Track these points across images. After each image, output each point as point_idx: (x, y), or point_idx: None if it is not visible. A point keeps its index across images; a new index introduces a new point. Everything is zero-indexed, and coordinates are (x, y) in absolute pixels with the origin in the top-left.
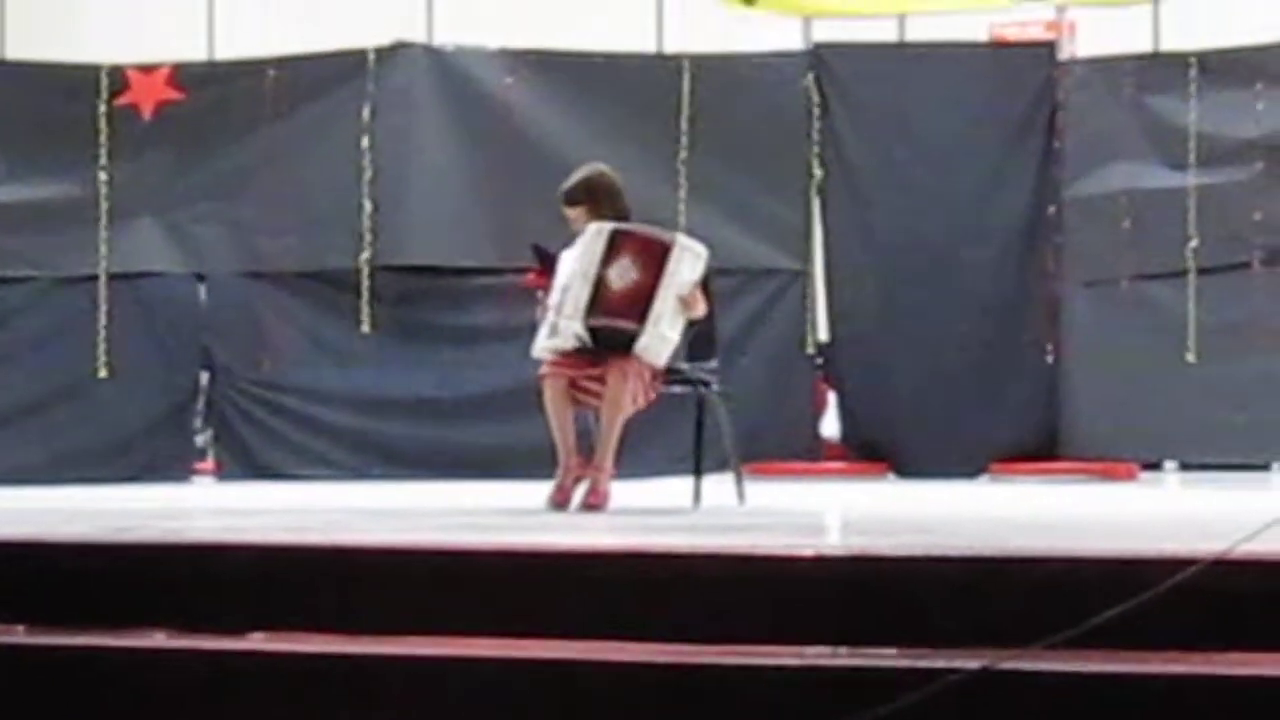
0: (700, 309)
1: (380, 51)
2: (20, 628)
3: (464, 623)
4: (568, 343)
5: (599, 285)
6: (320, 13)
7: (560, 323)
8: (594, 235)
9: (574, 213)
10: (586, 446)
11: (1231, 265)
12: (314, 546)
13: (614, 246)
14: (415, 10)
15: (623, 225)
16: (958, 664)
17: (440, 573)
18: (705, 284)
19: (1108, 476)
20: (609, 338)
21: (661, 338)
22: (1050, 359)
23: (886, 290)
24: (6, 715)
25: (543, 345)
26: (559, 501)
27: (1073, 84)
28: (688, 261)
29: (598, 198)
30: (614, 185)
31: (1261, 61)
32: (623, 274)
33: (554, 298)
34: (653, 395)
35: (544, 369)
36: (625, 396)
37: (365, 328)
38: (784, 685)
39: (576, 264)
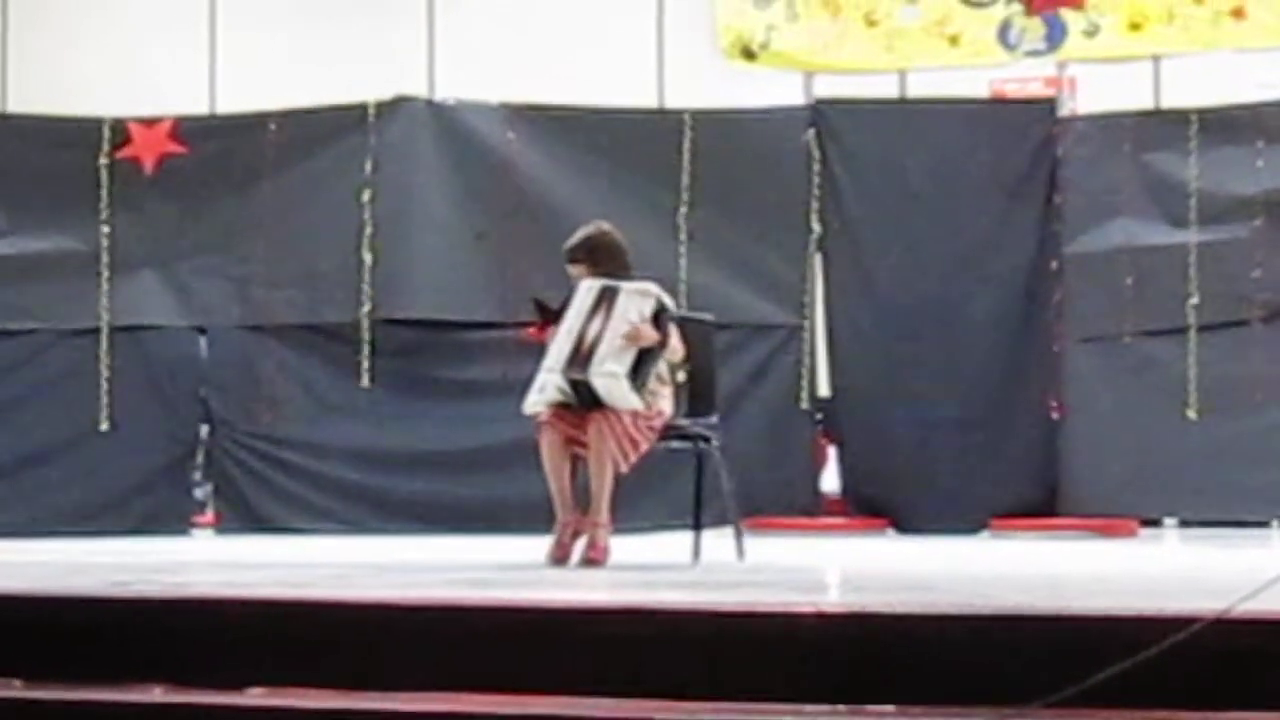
0: (648, 339)
1: (381, 105)
2: (18, 682)
3: (464, 679)
4: (551, 396)
5: (579, 340)
6: (322, 66)
7: (545, 378)
8: (585, 292)
9: (576, 270)
10: (587, 501)
11: (1232, 322)
12: (314, 602)
13: (599, 303)
14: (417, 64)
15: (612, 283)
16: None
17: (440, 628)
18: (659, 318)
19: (1108, 533)
20: (581, 391)
21: (608, 375)
22: (1051, 415)
23: (887, 345)
24: None
25: (533, 400)
26: (559, 557)
27: (1073, 140)
28: (634, 302)
29: (598, 256)
30: (616, 243)
31: (1261, 119)
32: (595, 328)
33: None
34: (644, 445)
35: (540, 421)
36: (607, 448)
37: (365, 381)
38: None
39: (565, 319)
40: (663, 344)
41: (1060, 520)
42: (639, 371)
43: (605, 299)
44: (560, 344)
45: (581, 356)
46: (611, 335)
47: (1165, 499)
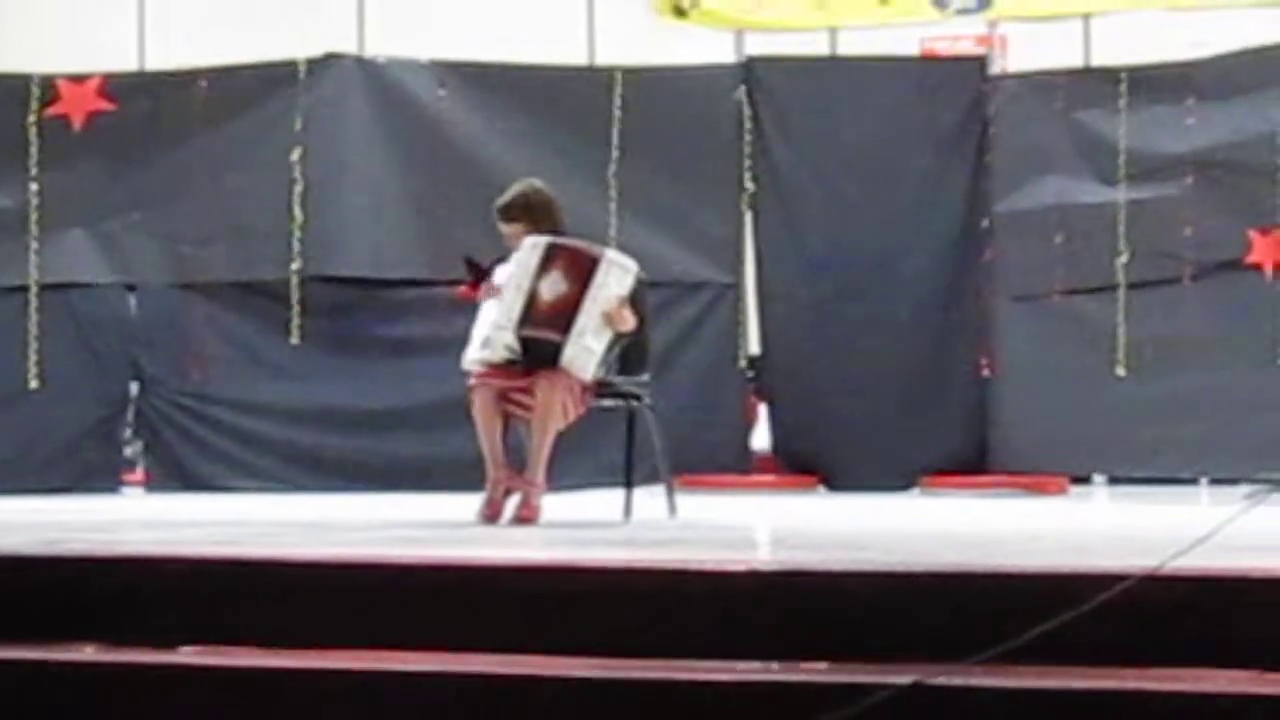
0: (627, 324)
1: (312, 62)
2: None
3: (395, 637)
4: (498, 354)
5: (531, 298)
6: (252, 23)
7: (492, 334)
8: (529, 249)
9: (510, 229)
10: (518, 460)
11: (1161, 280)
12: (245, 560)
13: (548, 260)
14: (347, 22)
15: (558, 239)
16: (889, 679)
17: (372, 587)
18: (634, 298)
19: (1037, 490)
20: (537, 350)
21: (585, 349)
22: (981, 373)
23: (817, 303)
24: None
25: (473, 357)
26: (490, 515)
27: (1004, 98)
28: (615, 275)
29: (534, 213)
30: (550, 201)
31: (1191, 77)
32: (553, 286)
33: (486, 310)
34: (583, 409)
35: (473, 380)
36: (555, 409)
37: (295, 339)
38: (716, 700)
39: (511, 277)
40: (641, 325)
41: (990, 477)
42: (609, 350)
43: (559, 256)
44: (510, 301)
45: (540, 315)
46: (593, 308)
47: (1094, 456)
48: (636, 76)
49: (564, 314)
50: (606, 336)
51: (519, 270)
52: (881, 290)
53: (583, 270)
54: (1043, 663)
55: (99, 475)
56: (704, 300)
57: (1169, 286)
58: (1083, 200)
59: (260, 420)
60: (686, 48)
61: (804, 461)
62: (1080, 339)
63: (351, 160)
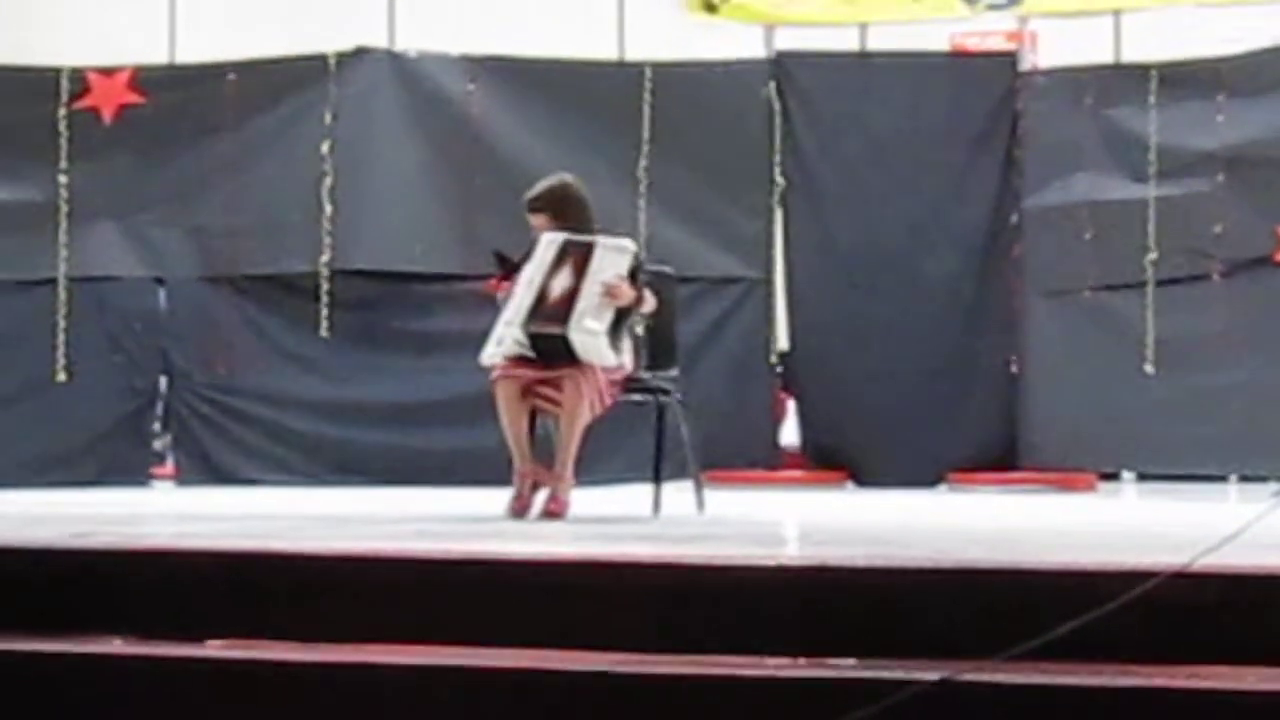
0: (626, 297)
1: (342, 56)
2: None
3: (423, 631)
4: (509, 349)
5: (542, 294)
6: (282, 17)
7: (503, 331)
8: (546, 245)
9: (538, 220)
10: (545, 453)
11: (1191, 277)
12: (273, 553)
13: (561, 256)
14: (377, 15)
15: (575, 236)
16: (917, 675)
17: (400, 581)
18: (635, 275)
19: (1066, 487)
20: (545, 344)
21: (588, 332)
22: (1010, 369)
23: (847, 299)
24: None
25: (490, 353)
26: (518, 510)
27: (1033, 94)
28: (610, 259)
29: (561, 207)
30: (580, 195)
31: (1222, 73)
32: (561, 282)
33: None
34: (610, 401)
35: (495, 373)
36: (582, 405)
37: (324, 332)
38: (743, 696)
39: (527, 273)
40: (639, 301)
41: (1018, 474)
42: (616, 329)
43: (570, 253)
44: (520, 297)
45: (546, 310)
46: (589, 291)
47: (1123, 453)
48: (666, 72)
49: (565, 306)
50: (608, 315)
51: (534, 266)
52: (910, 286)
53: (582, 260)
54: (1071, 660)
55: (128, 468)
56: (733, 296)
57: (1198, 283)
58: (1112, 197)
59: (289, 414)
60: (716, 43)
61: (832, 457)
62: (1109, 336)
63: (381, 154)
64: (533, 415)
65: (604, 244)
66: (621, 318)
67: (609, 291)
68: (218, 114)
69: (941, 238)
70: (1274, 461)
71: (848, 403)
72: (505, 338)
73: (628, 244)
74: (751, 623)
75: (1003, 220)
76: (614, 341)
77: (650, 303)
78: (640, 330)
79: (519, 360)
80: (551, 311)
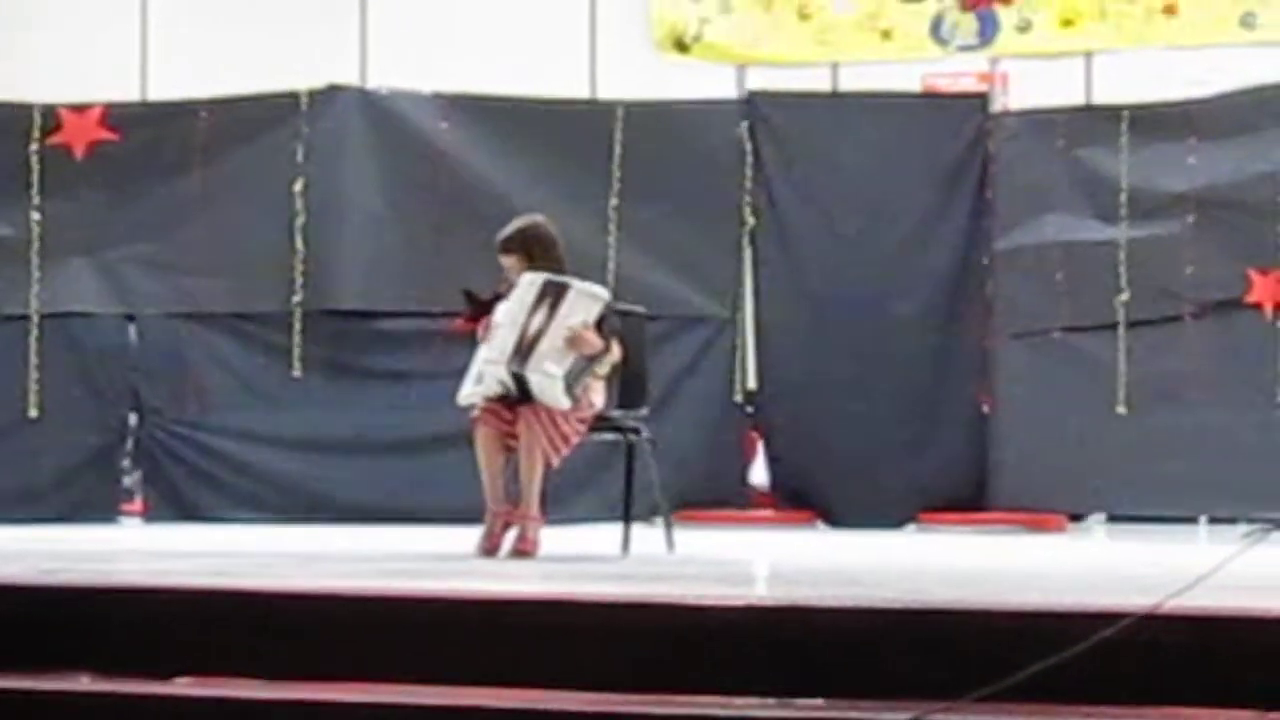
0: (591, 347)
1: (314, 94)
2: None
3: (392, 669)
4: (491, 389)
5: (523, 333)
6: (254, 55)
7: (485, 369)
8: (527, 285)
9: (509, 261)
10: (516, 492)
11: (1162, 318)
12: (242, 591)
13: (541, 296)
14: (349, 53)
15: (554, 277)
16: (885, 716)
17: (369, 619)
18: (602, 324)
19: (1036, 528)
20: (520, 384)
21: (545, 374)
22: (981, 409)
23: (816, 338)
24: None
25: (469, 392)
26: (488, 548)
27: (1005, 135)
28: (582, 304)
29: (533, 248)
30: (550, 236)
31: (1193, 116)
32: (537, 323)
33: (482, 346)
34: (576, 440)
35: (476, 413)
36: (538, 444)
37: (296, 370)
38: None
39: (507, 313)
40: (605, 351)
41: (988, 514)
42: (576, 375)
43: (549, 294)
44: (504, 337)
45: (523, 350)
46: (554, 335)
47: (1093, 494)
48: (638, 110)
49: (534, 346)
50: (568, 361)
51: (515, 306)
52: (881, 326)
53: (556, 301)
54: (1041, 701)
55: (97, 505)
56: (703, 335)
57: (1169, 325)
58: (1083, 238)
59: (259, 451)
60: (688, 82)
61: (801, 497)
62: (1080, 377)
63: (353, 192)
64: (508, 456)
65: (577, 288)
66: (582, 365)
67: (572, 340)
68: (189, 151)
69: (912, 278)
70: (1244, 503)
71: (817, 442)
72: (487, 376)
73: (600, 291)
74: (721, 662)
75: (974, 261)
76: (570, 388)
77: (616, 353)
78: (605, 371)
79: (497, 401)
80: (525, 352)
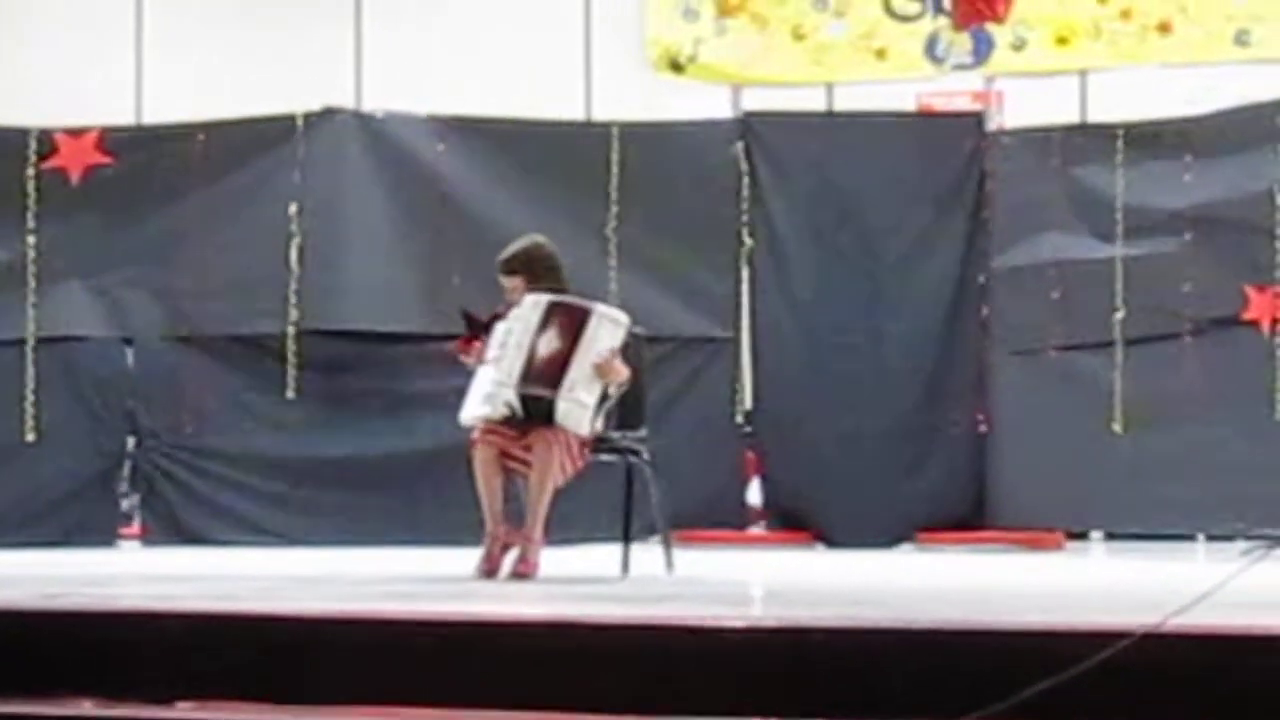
0: (620, 375)
1: (309, 117)
2: None
3: (392, 692)
4: (498, 411)
5: (530, 355)
6: (250, 78)
7: (494, 391)
8: (531, 306)
9: (511, 282)
10: (516, 514)
11: (1159, 336)
12: (242, 615)
13: (547, 317)
14: (344, 76)
15: (558, 298)
16: None
17: (369, 642)
18: (627, 351)
19: (1034, 546)
20: (534, 407)
21: (578, 403)
22: (978, 428)
23: (813, 358)
24: None
25: (473, 413)
26: (487, 570)
27: (1000, 154)
28: (606, 329)
29: (536, 269)
30: (552, 257)
31: (1188, 133)
32: (548, 344)
33: (487, 367)
34: (580, 464)
35: (475, 435)
36: (553, 467)
37: (291, 393)
38: None
39: (511, 334)
40: (637, 379)
41: (985, 533)
42: (601, 403)
43: (556, 314)
44: (510, 359)
45: (534, 372)
46: (583, 360)
47: (1091, 512)
48: (634, 131)
49: (556, 370)
50: (598, 389)
51: (520, 327)
52: (877, 345)
53: (574, 325)
54: None
55: (95, 528)
56: (701, 355)
57: (1166, 343)
58: (1080, 256)
59: (256, 474)
60: (683, 103)
61: (799, 517)
62: (1077, 395)
63: (349, 214)
64: (506, 477)
65: (601, 312)
66: (605, 394)
67: (602, 370)
68: (185, 175)
69: (908, 297)
70: (1242, 521)
71: (814, 462)
72: (495, 398)
73: (622, 317)
74: (722, 684)
75: (970, 280)
76: (597, 416)
77: (626, 375)
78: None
79: (496, 424)
80: (541, 374)
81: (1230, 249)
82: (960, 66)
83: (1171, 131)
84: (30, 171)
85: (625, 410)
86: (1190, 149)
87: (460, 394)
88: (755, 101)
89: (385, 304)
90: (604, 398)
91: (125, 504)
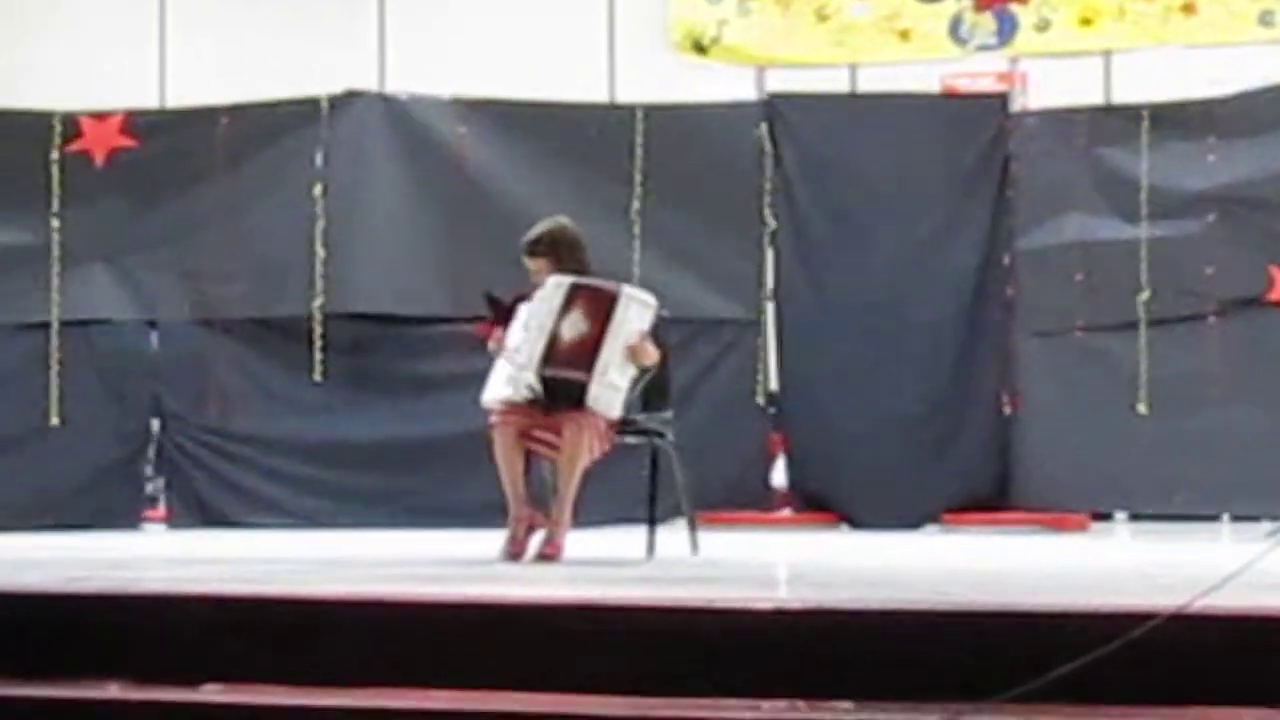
0: (651, 358)
1: (333, 99)
2: None
3: (419, 674)
4: (520, 394)
5: (553, 338)
6: (273, 60)
7: (515, 374)
8: (553, 288)
9: (535, 264)
10: (540, 496)
11: (1183, 317)
12: (267, 597)
13: (570, 299)
14: (368, 58)
15: (580, 279)
16: (914, 718)
17: (394, 624)
18: (656, 333)
19: (1059, 527)
20: (561, 389)
21: (611, 387)
22: (1003, 409)
23: (837, 340)
24: None
25: (496, 395)
26: (513, 553)
27: (1025, 135)
28: (635, 310)
29: (560, 251)
30: (576, 239)
31: (1213, 114)
32: (574, 326)
33: (509, 349)
34: (608, 446)
35: (494, 418)
36: (583, 450)
37: (317, 375)
38: None
39: (534, 316)
40: (664, 362)
41: (1011, 514)
42: (633, 386)
43: (580, 296)
44: (533, 341)
45: (561, 355)
46: (614, 344)
47: (1116, 493)
48: (658, 113)
49: (586, 352)
50: (630, 372)
51: (542, 309)
52: (902, 327)
53: (602, 307)
54: (1071, 702)
55: (120, 512)
56: (725, 337)
57: (1191, 324)
58: (1104, 237)
59: (281, 456)
60: (707, 84)
61: (823, 498)
62: (1102, 376)
63: (373, 197)
64: (528, 459)
65: (629, 294)
66: (638, 377)
67: (634, 353)
68: (209, 157)
69: (933, 278)
70: (1266, 501)
71: (839, 443)
72: (518, 381)
73: (650, 299)
74: (749, 666)
75: (994, 261)
76: (629, 398)
77: (656, 356)
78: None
79: (517, 405)
80: (569, 357)
81: (1255, 230)
82: (984, 47)
83: (1196, 112)
84: (55, 155)
85: (650, 392)
86: (1214, 130)
87: (484, 376)
88: (779, 83)
89: (410, 286)
90: (635, 380)
91: (150, 487)
